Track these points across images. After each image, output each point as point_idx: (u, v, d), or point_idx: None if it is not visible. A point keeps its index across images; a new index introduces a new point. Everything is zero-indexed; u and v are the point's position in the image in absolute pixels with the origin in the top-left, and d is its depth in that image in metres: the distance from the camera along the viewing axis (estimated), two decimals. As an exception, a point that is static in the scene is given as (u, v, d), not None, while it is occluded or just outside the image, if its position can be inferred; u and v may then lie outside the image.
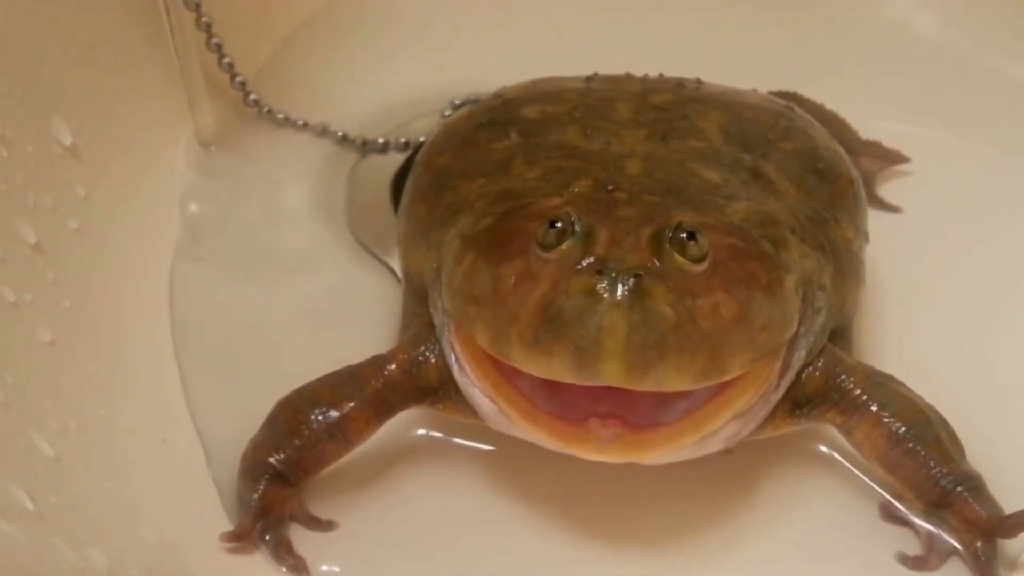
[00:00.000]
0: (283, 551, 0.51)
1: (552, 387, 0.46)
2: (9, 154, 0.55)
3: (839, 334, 0.55)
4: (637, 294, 0.43)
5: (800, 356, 0.51)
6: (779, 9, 0.86)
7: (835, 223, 0.55)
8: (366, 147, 0.76)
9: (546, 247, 0.45)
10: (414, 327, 0.55)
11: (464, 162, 0.58)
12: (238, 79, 0.74)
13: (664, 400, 0.46)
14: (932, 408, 0.53)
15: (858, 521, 0.53)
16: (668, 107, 0.60)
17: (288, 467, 0.52)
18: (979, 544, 0.50)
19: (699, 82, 0.64)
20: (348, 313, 0.64)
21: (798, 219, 0.53)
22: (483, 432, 0.54)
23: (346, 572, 0.52)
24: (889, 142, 0.75)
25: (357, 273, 0.67)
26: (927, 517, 0.52)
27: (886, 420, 0.52)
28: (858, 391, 0.52)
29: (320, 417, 0.52)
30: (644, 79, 0.65)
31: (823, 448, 0.56)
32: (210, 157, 0.74)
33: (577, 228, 0.45)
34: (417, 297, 0.56)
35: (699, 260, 0.45)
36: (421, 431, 0.57)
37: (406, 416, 0.54)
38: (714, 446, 0.50)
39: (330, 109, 0.77)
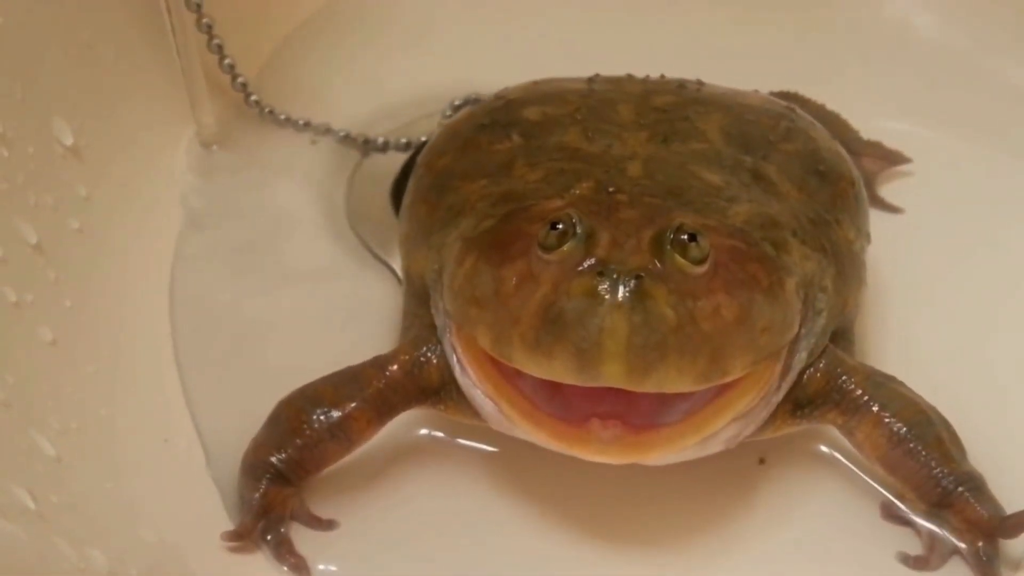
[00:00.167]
0: (284, 550, 0.51)
1: (553, 388, 0.46)
2: (10, 154, 0.55)
3: (841, 335, 0.55)
4: (638, 296, 0.43)
5: (801, 358, 0.51)
6: (780, 9, 0.86)
7: (836, 224, 0.55)
8: (367, 147, 0.76)
9: (547, 249, 0.45)
10: (415, 328, 0.55)
11: (465, 163, 0.58)
12: (239, 80, 0.74)
13: (665, 401, 0.46)
14: (933, 408, 0.53)
15: (859, 521, 0.53)
16: (669, 109, 0.60)
17: (289, 467, 0.52)
18: (980, 544, 0.50)
19: (700, 83, 0.64)
20: (348, 313, 0.64)
21: (799, 221, 0.53)
22: (485, 433, 0.54)
23: (344, 571, 0.52)
24: (890, 142, 0.75)
25: (358, 273, 0.67)
26: (928, 517, 0.52)
27: (887, 420, 0.52)
28: (859, 392, 0.52)
29: (322, 417, 0.52)
30: (645, 80, 0.65)
31: (824, 448, 0.56)
32: (211, 157, 0.74)
33: (578, 230, 0.45)
34: (418, 298, 0.56)
35: (700, 262, 0.45)
36: (423, 431, 0.57)
37: (408, 416, 0.54)
38: (715, 447, 0.50)
39: (331, 109, 0.77)
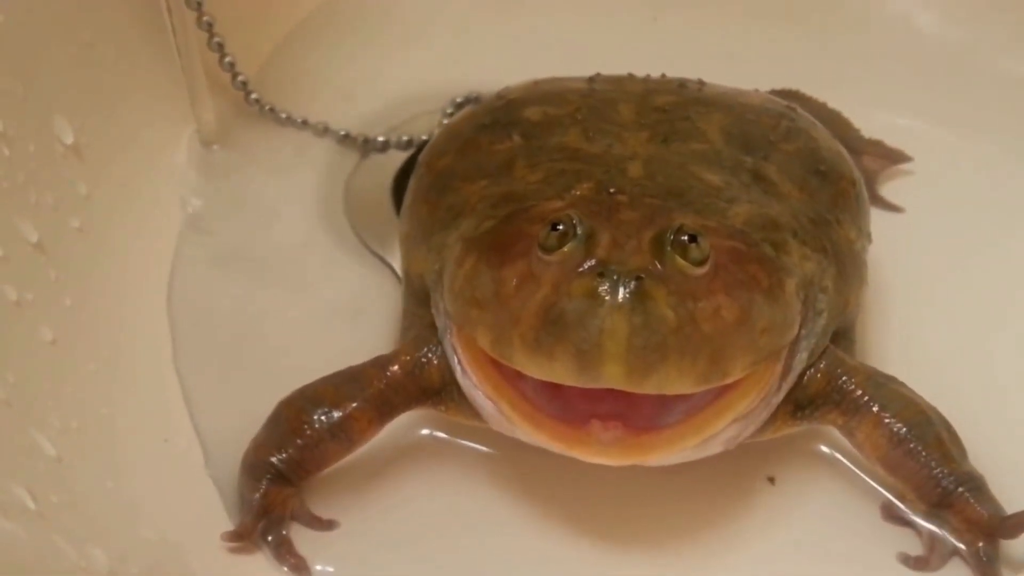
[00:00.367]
0: (284, 551, 0.51)
1: (554, 389, 0.46)
2: (11, 153, 0.55)
3: (842, 335, 0.55)
4: (638, 297, 0.43)
5: (802, 358, 0.51)
6: (781, 8, 0.86)
7: (837, 224, 0.55)
8: (367, 146, 0.76)
9: (548, 250, 0.45)
10: (415, 328, 0.55)
11: (466, 164, 0.58)
12: (239, 78, 0.74)
13: (665, 403, 0.46)
14: (933, 408, 0.53)
15: (859, 521, 0.53)
16: (670, 108, 0.60)
17: (290, 467, 0.52)
18: (981, 544, 0.50)
19: (701, 83, 0.64)
20: (348, 312, 0.64)
21: (800, 221, 0.53)
22: (485, 433, 0.54)
23: (344, 571, 0.51)
24: (891, 141, 0.74)
25: (358, 272, 0.67)
26: (929, 517, 0.52)
27: (887, 421, 0.52)
28: (859, 392, 0.52)
29: (323, 417, 0.52)
30: (646, 80, 0.65)
31: (824, 448, 0.56)
32: (211, 156, 0.74)
33: (579, 231, 0.45)
34: (417, 298, 0.56)
35: (700, 263, 0.45)
36: (424, 431, 0.56)
37: (409, 416, 0.54)
38: (715, 448, 0.50)
39: (331, 108, 0.77)
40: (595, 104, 0.60)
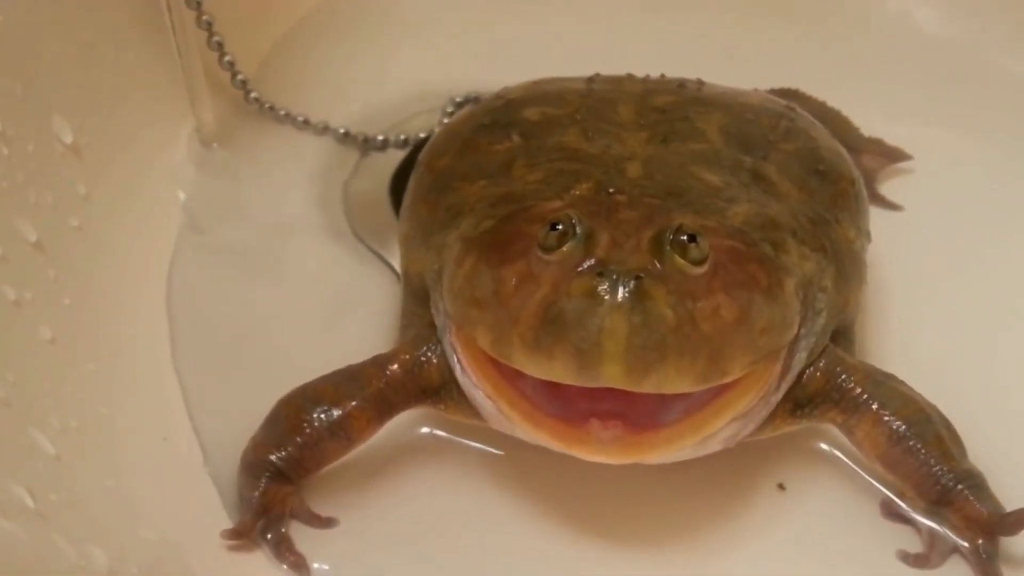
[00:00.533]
0: (284, 549, 0.51)
1: (553, 388, 0.46)
2: (10, 152, 0.55)
3: (841, 334, 0.55)
4: (638, 296, 0.43)
5: (801, 358, 0.51)
6: (781, 7, 0.86)
7: (837, 224, 0.55)
8: (367, 144, 0.76)
9: (547, 249, 0.45)
10: (414, 327, 0.55)
11: (465, 164, 0.58)
12: (239, 77, 0.74)
13: (665, 401, 0.46)
14: (933, 406, 0.53)
15: (859, 519, 0.53)
16: (669, 108, 0.60)
17: (289, 465, 0.52)
18: (980, 542, 0.50)
19: (700, 83, 0.64)
20: (348, 311, 0.64)
21: (799, 221, 0.53)
22: (485, 432, 0.54)
23: (343, 570, 0.51)
24: (891, 139, 0.74)
25: (357, 271, 0.67)
26: (928, 515, 0.52)
27: (886, 418, 0.52)
28: (858, 390, 0.52)
29: (322, 416, 0.52)
30: (646, 80, 0.65)
31: (823, 446, 0.56)
32: (211, 155, 0.74)
33: (578, 230, 0.45)
34: (417, 298, 0.56)
35: (699, 263, 0.45)
36: (424, 430, 0.56)
37: (409, 415, 0.54)
38: (714, 446, 0.50)
39: (330, 106, 0.77)
40: (594, 104, 0.60)
